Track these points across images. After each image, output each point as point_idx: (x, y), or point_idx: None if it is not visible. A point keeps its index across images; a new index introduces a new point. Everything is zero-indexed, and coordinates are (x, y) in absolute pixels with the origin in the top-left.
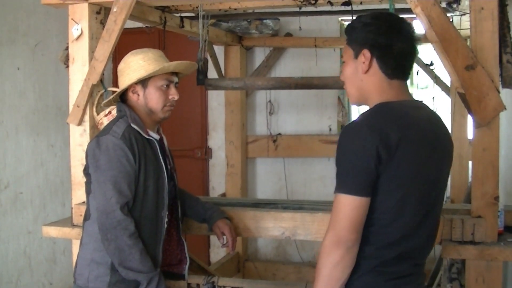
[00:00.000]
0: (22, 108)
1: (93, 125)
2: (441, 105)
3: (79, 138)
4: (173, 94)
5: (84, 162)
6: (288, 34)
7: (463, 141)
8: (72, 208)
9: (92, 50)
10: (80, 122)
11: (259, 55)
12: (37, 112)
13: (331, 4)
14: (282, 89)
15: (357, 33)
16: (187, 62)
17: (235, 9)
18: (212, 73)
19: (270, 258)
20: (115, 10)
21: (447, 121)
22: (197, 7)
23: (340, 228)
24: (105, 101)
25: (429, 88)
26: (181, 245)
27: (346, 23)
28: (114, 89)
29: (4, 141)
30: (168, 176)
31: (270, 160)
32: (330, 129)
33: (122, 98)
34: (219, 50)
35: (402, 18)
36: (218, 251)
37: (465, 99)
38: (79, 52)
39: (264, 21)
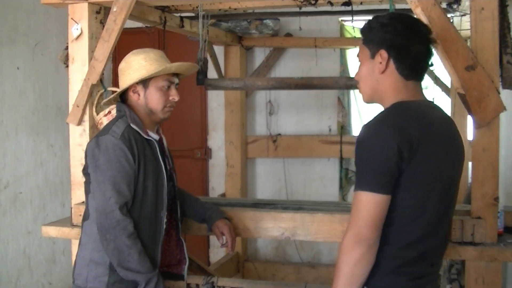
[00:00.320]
0: (22, 108)
1: (93, 125)
2: (441, 105)
3: (79, 138)
4: (174, 95)
5: (84, 162)
6: (288, 34)
7: (463, 142)
8: (71, 208)
9: (91, 50)
10: (79, 122)
11: (259, 55)
12: (37, 112)
13: (331, 4)
14: (282, 89)
15: (374, 33)
16: (188, 63)
17: (235, 9)
18: (212, 73)
19: (269, 258)
20: (115, 9)
21: None
22: (197, 7)
23: (361, 226)
24: (105, 100)
25: (429, 88)
26: (180, 245)
27: (346, 23)
28: (114, 89)
29: (4, 141)
30: (168, 177)
31: (269, 161)
32: (330, 130)
33: (122, 97)
34: (219, 50)
35: (420, 19)
36: (217, 251)
37: (465, 100)
38: (78, 52)
39: (264, 21)
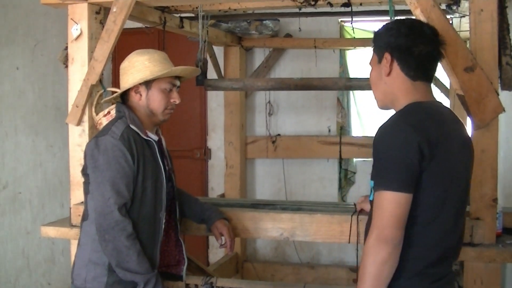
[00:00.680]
0: (21, 108)
1: (92, 125)
2: None
3: (78, 138)
4: (175, 98)
5: (83, 163)
6: (288, 35)
7: None
8: (70, 208)
9: (91, 50)
10: (79, 122)
11: (259, 56)
12: (36, 112)
13: (331, 5)
14: (282, 90)
15: (380, 38)
16: (192, 67)
17: (235, 9)
18: (211, 74)
19: (269, 259)
20: (114, 10)
21: None
22: (196, 8)
23: (386, 226)
24: (106, 99)
25: None
26: (179, 246)
27: (346, 24)
28: (113, 89)
29: (3, 141)
30: (166, 177)
31: (269, 161)
32: (329, 130)
33: (123, 97)
34: (218, 50)
35: (425, 22)
36: (216, 252)
37: (464, 101)
38: (78, 52)
39: (264, 22)
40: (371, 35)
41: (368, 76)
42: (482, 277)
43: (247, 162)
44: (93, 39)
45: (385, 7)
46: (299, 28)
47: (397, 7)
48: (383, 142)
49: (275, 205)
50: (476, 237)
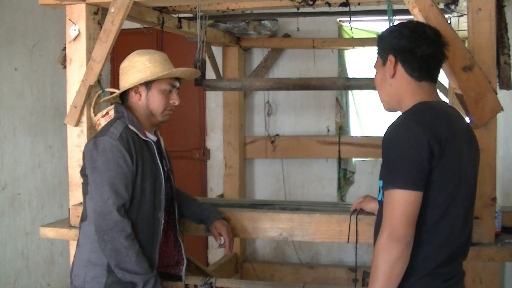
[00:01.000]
0: (20, 109)
1: (91, 126)
2: None
3: (77, 139)
4: (174, 99)
5: (82, 163)
6: (286, 35)
7: None
8: (69, 209)
9: (89, 51)
10: (77, 123)
11: (257, 56)
12: (35, 113)
13: (329, 5)
14: (280, 90)
15: (384, 41)
16: (193, 69)
17: (233, 10)
18: (210, 74)
19: (268, 259)
20: (112, 10)
21: None
22: (195, 8)
23: (397, 224)
24: (105, 98)
25: None
26: (178, 246)
27: (344, 24)
28: (112, 89)
29: (1, 142)
30: (165, 178)
31: (268, 161)
32: (328, 130)
33: (121, 97)
34: (217, 51)
35: (427, 24)
36: (216, 252)
37: (462, 100)
38: (76, 52)
39: (262, 22)
40: (370, 35)
41: (368, 76)
42: (481, 276)
43: (246, 162)
44: (91, 40)
45: (383, 7)
46: (298, 28)
47: (396, 7)
48: (393, 141)
49: (274, 205)
50: (475, 236)
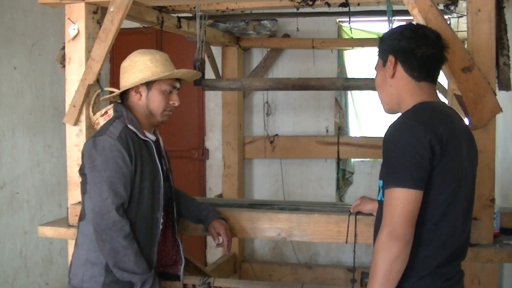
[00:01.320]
0: (19, 108)
1: (90, 125)
2: None
3: (76, 138)
4: (174, 100)
5: (80, 162)
6: (286, 35)
7: None
8: (68, 208)
9: (88, 50)
10: (76, 122)
11: (257, 56)
12: (34, 112)
13: (329, 5)
14: (279, 90)
15: (385, 43)
16: (194, 71)
17: (233, 9)
18: (209, 74)
19: (266, 259)
20: (112, 10)
21: None
22: (194, 8)
23: (397, 223)
24: (105, 96)
25: None
26: (176, 246)
27: (344, 24)
28: (111, 89)
29: (0, 141)
30: (164, 177)
31: (267, 161)
32: (327, 131)
33: (121, 96)
34: (216, 50)
35: (428, 27)
36: (214, 252)
37: (461, 101)
38: (75, 52)
39: (262, 22)
40: (369, 35)
41: (367, 77)
42: (479, 277)
43: (245, 162)
44: (91, 39)
45: (383, 7)
46: (297, 28)
47: (395, 7)
48: (394, 140)
49: (273, 205)
50: (473, 237)
